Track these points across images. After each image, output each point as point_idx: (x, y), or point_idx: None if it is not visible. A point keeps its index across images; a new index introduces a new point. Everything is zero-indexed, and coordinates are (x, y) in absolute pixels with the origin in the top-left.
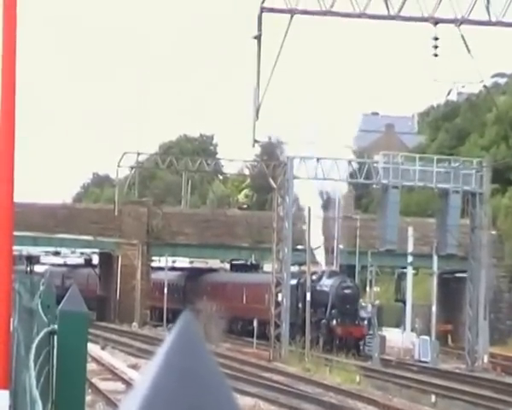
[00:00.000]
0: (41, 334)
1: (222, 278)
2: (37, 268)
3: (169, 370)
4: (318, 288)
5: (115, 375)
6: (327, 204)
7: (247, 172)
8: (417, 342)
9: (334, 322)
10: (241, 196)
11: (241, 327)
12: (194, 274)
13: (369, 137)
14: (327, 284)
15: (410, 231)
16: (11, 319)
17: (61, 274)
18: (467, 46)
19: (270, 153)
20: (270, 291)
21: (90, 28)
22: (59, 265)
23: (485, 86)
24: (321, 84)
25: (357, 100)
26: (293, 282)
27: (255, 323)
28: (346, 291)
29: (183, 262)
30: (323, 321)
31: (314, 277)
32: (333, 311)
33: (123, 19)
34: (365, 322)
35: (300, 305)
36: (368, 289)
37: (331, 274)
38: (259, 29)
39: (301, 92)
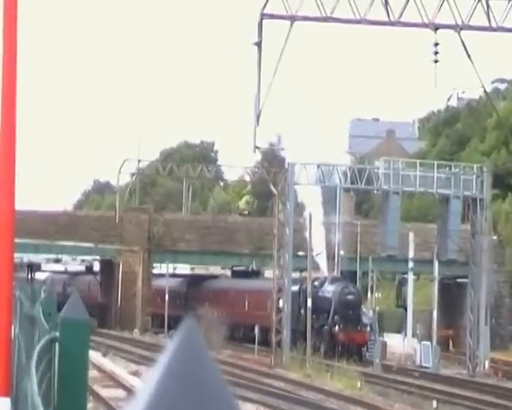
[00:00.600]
0: (42, 341)
1: (224, 284)
2: (39, 275)
3: (171, 376)
4: (320, 294)
5: (116, 382)
6: (325, 209)
7: (247, 178)
8: (418, 348)
9: (337, 328)
10: (241, 203)
11: (243, 334)
12: (196, 281)
13: (370, 142)
14: (329, 290)
15: (411, 236)
16: (12, 327)
17: (63, 281)
18: (467, 52)
19: (271, 159)
20: (272, 298)
21: (89, 33)
22: (60, 272)
23: (485, 92)
24: (321, 90)
25: (358, 106)
26: (296, 288)
27: (256, 329)
28: (349, 297)
29: (183, 269)
30: (326, 327)
31: (316, 283)
32: (335, 317)
33: (124, 27)
34: (368, 328)
35: (303, 311)
36: (369, 294)
37: (333, 280)
38: (260, 35)
39: (302, 98)
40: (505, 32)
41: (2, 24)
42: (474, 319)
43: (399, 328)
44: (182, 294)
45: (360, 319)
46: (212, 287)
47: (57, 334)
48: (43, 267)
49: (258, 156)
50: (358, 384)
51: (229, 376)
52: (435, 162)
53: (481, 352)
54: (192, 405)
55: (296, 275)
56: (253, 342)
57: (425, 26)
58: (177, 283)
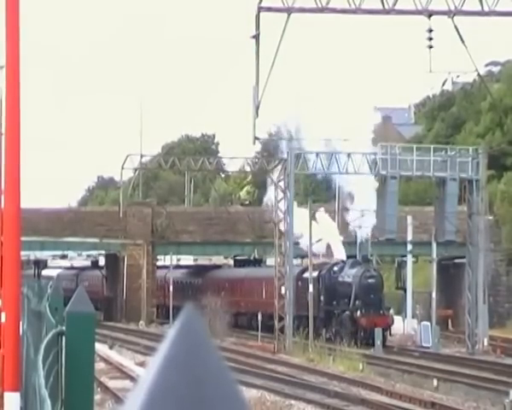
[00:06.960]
0: (49, 335)
1: (239, 273)
2: (46, 272)
3: (172, 362)
4: (340, 279)
5: (123, 373)
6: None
7: (248, 169)
8: (418, 329)
9: (359, 313)
10: (242, 193)
11: (262, 322)
12: (210, 271)
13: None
14: (349, 274)
15: (409, 219)
16: (20, 323)
17: (75, 276)
18: (460, 37)
19: (271, 149)
20: (282, 284)
21: (91, 29)
22: (69, 268)
23: (479, 75)
24: (319, 80)
25: (355, 93)
26: (314, 275)
27: (259, 316)
28: (370, 281)
29: (187, 260)
30: (347, 313)
31: (336, 268)
32: (357, 302)
33: (125, 22)
34: (391, 311)
35: (322, 298)
36: None
37: (353, 264)
38: (257, 28)
39: (300, 88)
40: (497, 16)
41: (5, 18)
42: (473, 298)
43: (399, 310)
44: (197, 285)
45: (382, 303)
46: (227, 276)
47: (64, 328)
48: (49, 264)
49: (257, 147)
50: (360, 366)
51: (232, 362)
52: (431, 146)
53: (480, 330)
54: (194, 392)
55: (297, 262)
56: (271, 331)
57: (419, 13)
58: (189, 274)
